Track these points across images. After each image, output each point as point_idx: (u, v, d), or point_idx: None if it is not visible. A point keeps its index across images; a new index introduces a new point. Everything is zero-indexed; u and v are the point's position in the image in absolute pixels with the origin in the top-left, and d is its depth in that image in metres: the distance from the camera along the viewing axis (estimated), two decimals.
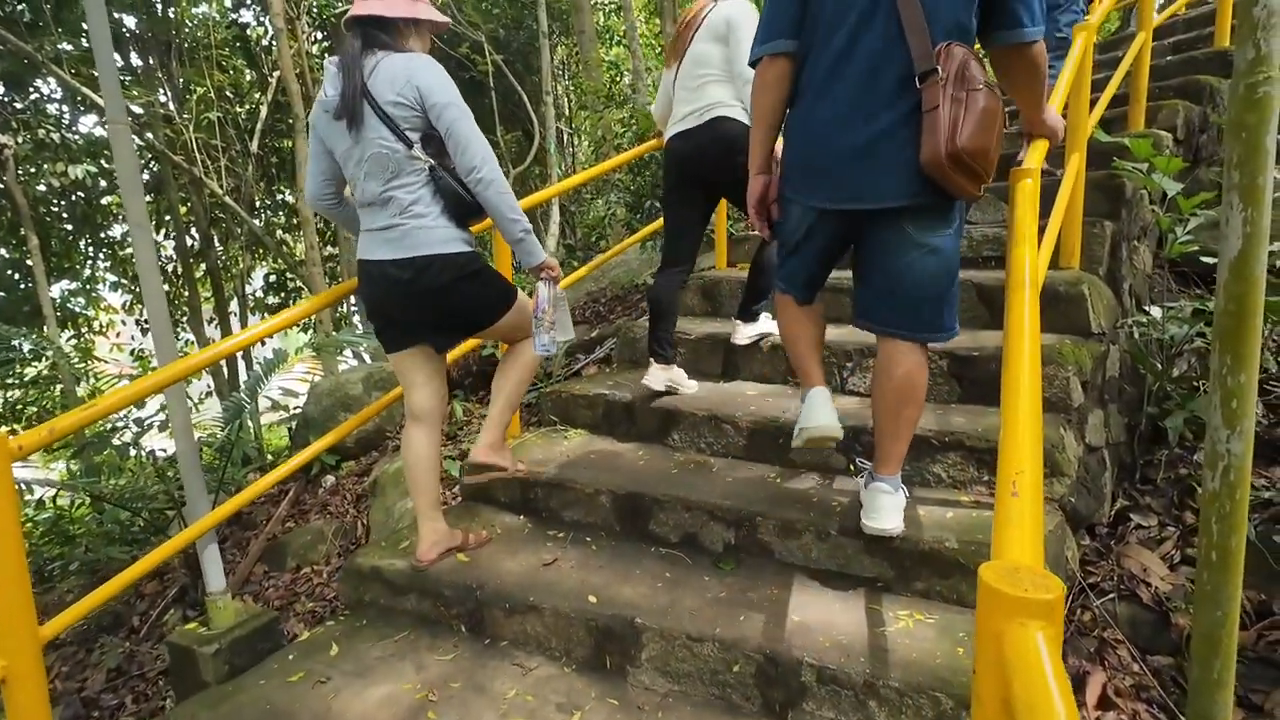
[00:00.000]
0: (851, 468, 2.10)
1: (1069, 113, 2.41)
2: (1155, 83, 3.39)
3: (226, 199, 7.10)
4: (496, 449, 2.03)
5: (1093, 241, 2.51)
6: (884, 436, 1.67)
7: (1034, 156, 1.67)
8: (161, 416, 3.34)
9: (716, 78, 2.37)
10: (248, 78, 9.29)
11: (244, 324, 9.69)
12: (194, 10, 8.64)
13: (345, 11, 1.96)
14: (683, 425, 2.41)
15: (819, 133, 1.52)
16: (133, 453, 3.26)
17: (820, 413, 1.69)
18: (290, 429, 4.67)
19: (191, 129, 6.42)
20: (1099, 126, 2.77)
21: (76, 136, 6.83)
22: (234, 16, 8.91)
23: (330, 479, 4.28)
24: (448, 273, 1.75)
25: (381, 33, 1.72)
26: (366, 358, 8.94)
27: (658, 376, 2.48)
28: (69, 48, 6.88)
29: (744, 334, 2.69)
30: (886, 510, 1.63)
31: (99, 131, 7.86)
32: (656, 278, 2.63)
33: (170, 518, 3.65)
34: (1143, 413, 2.41)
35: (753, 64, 1.63)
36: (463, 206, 1.76)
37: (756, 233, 2.09)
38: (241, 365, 9.46)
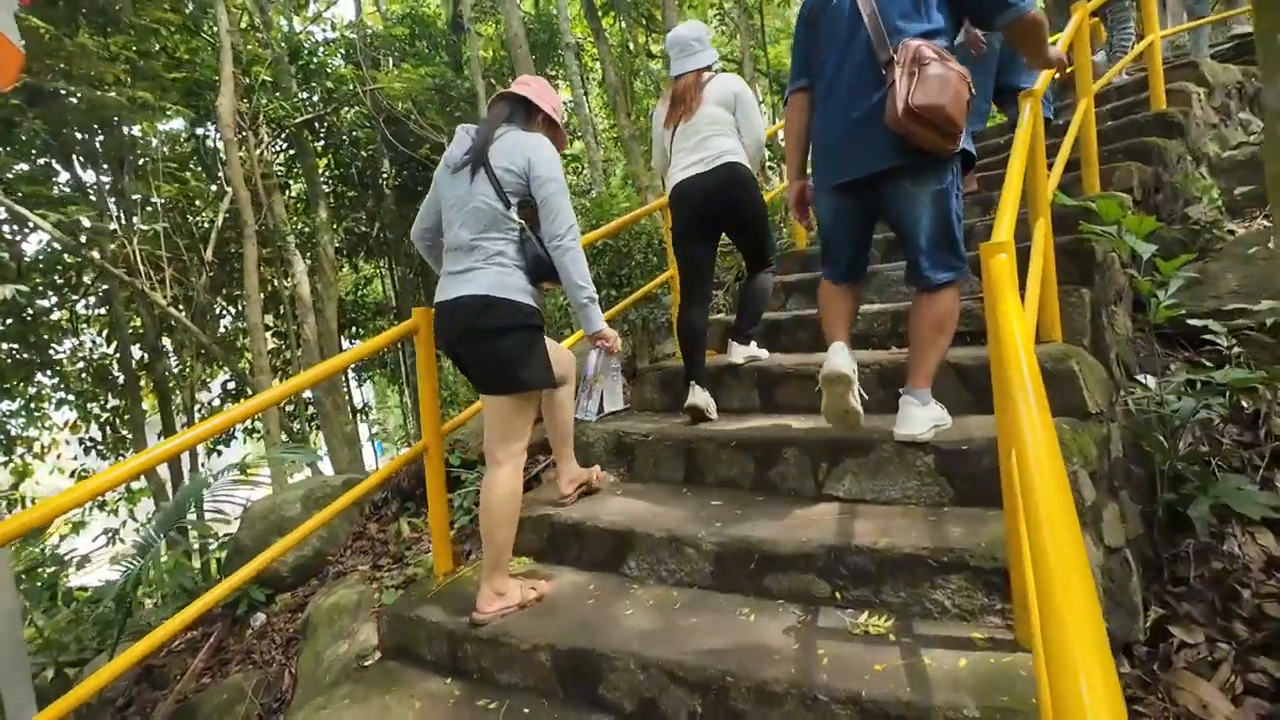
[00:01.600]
0: (836, 595, 1.76)
1: (1028, 182, 2.28)
2: (1100, 147, 3.34)
3: (171, 310, 6.83)
4: (501, 595, 1.98)
5: (1072, 312, 2.32)
6: (917, 356, 1.99)
7: (1002, 228, 1.48)
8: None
9: (724, 133, 2.66)
10: (212, 187, 9.29)
11: None
12: (159, 126, 8.71)
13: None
14: (639, 550, 2.07)
15: (828, 133, 2.02)
16: None
17: (836, 359, 1.98)
18: (221, 559, 4.19)
19: (136, 241, 6.23)
20: (1058, 192, 2.65)
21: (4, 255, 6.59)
22: (196, 131, 8.99)
23: (260, 617, 3.77)
24: (507, 318, 1.88)
25: (522, 110, 2.02)
26: (327, 469, 8.47)
27: (699, 395, 2.64)
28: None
29: (739, 353, 2.86)
30: (916, 419, 1.94)
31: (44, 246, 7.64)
32: (686, 312, 2.80)
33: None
34: (1158, 500, 2.13)
35: (785, 101, 2.22)
36: (541, 267, 1.93)
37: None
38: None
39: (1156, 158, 3.34)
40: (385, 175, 11.50)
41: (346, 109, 10.86)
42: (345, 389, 10.73)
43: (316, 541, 4.15)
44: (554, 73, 13.45)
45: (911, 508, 1.94)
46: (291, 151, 10.26)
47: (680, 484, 2.47)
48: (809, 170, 2.25)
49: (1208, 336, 2.51)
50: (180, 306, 8.20)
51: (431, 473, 2.26)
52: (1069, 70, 2.41)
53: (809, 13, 2.08)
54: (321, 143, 10.77)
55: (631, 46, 14.95)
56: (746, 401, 2.83)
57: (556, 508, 2.33)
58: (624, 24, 14.44)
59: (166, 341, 8.89)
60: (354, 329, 12.65)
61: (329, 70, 9.81)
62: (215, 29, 6.33)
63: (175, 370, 9.48)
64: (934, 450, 1.94)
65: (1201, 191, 3.55)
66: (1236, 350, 2.52)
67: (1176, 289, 2.35)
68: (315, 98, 9.91)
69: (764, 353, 2.94)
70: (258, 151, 8.05)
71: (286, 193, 10.84)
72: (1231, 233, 3.40)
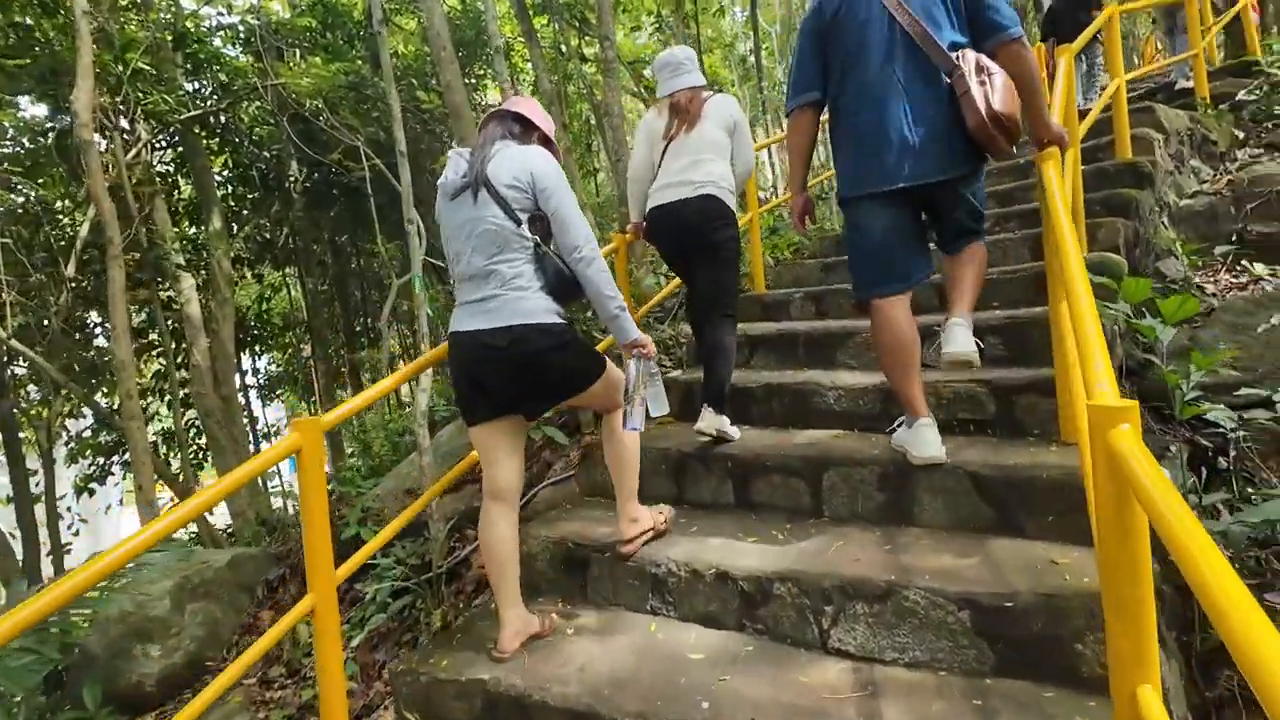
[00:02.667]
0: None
1: (1049, 253, 1.97)
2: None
3: (14, 341, 5.74)
4: (636, 521, 2.08)
5: None
6: (962, 293, 2.06)
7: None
8: None
9: (715, 158, 2.65)
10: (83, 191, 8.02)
11: (49, 479, 7.89)
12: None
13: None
14: None
15: (883, 139, 1.95)
16: None
17: (929, 448, 1.96)
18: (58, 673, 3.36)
19: None
20: None
21: None
22: (54, 125, 7.73)
23: None
24: (542, 342, 1.83)
25: (518, 125, 1.96)
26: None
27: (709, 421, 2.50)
28: None
29: (709, 422, 2.51)
30: (962, 339, 1.98)
31: None
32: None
33: None
34: (1195, 631, 1.86)
35: (789, 114, 2.17)
36: (562, 283, 1.87)
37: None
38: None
39: (1134, 211, 3.17)
40: (293, 177, 10.44)
41: (246, 104, 9.76)
42: (245, 417, 9.62)
43: (191, 643, 3.41)
44: (481, 72, 12.69)
45: (945, 677, 1.55)
46: (180, 151, 9.08)
47: (648, 615, 2.01)
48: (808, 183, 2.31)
49: (1210, 416, 2.30)
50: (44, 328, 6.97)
51: (322, 638, 1.69)
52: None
53: (822, 26, 2.05)
54: (217, 141, 9.62)
55: (564, 49, 14.40)
56: (718, 495, 2.41)
57: (492, 668, 1.81)
58: (557, 26, 13.87)
59: (20, 371, 7.60)
60: (257, 346, 11.44)
61: (223, 60, 8.73)
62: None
63: (33, 401, 8.15)
64: (969, 605, 1.56)
65: (1168, 245, 3.43)
66: (1241, 435, 2.32)
67: (1197, 383, 2.10)
68: (208, 91, 8.80)
69: (735, 432, 2.56)
70: (132, 152, 6.98)
71: (175, 197, 9.62)
72: (1200, 288, 3.29)
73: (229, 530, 6.78)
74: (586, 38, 13.94)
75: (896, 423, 2.20)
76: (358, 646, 2.98)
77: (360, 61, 9.58)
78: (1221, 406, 2.21)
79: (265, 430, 12.42)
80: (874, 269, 2.07)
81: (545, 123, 2.01)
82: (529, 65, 14.31)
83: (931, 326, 2.52)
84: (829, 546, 1.93)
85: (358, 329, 12.14)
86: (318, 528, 1.65)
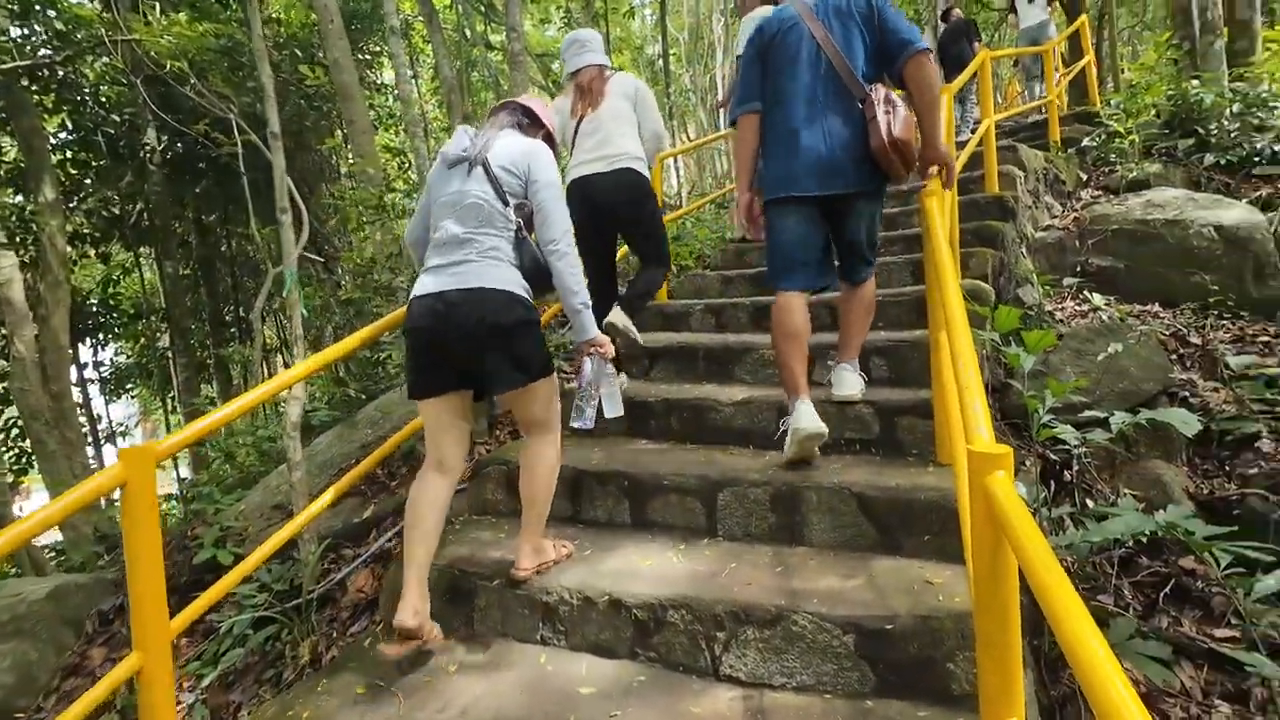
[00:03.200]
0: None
1: (930, 284, 2.08)
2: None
3: None
4: (538, 551, 2.02)
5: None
6: (850, 337, 2.40)
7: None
8: None
9: (626, 133, 2.79)
10: None
11: None
12: None
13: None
14: None
15: (804, 151, 2.20)
16: None
17: (807, 422, 2.15)
18: None
19: None
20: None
21: None
22: None
23: None
24: (511, 311, 1.82)
25: (524, 118, 2.08)
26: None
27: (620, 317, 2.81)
28: None
29: (620, 317, 2.82)
30: (850, 383, 2.36)
31: None
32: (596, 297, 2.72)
33: None
34: (1045, 635, 2.03)
35: (733, 122, 2.39)
36: (536, 269, 1.91)
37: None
38: None
39: (1000, 243, 3.46)
40: (149, 146, 9.30)
41: (91, 59, 8.57)
42: (81, 419, 8.46)
43: None
44: (378, 48, 11.92)
45: (830, 700, 1.58)
46: (2, 106, 7.80)
47: (538, 645, 1.91)
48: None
49: (1058, 434, 2.55)
50: None
51: (152, 710, 1.42)
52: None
53: (763, 46, 2.31)
54: (52, 98, 8.36)
55: (468, 34, 13.83)
56: (615, 514, 2.36)
57: (364, 714, 1.64)
58: (460, 9, 13.29)
59: None
60: (101, 335, 10.06)
61: (60, 5, 7.61)
62: None
63: None
64: (854, 629, 1.60)
65: (1027, 274, 3.79)
66: (1083, 451, 2.59)
67: (1050, 402, 2.30)
68: (40, 39, 7.64)
69: (637, 335, 2.94)
70: None
71: None
72: (1051, 314, 3.66)
73: (58, 549, 5.88)
74: (492, 23, 13.48)
75: (782, 425, 2.44)
76: (209, 687, 2.66)
77: (236, 25, 8.68)
78: (1069, 428, 2.44)
79: (111, 430, 10.99)
80: (782, 264, 2.33)
81: (551, 123, 2.13)
82: (429, 46, 13.64)
83: (827, 350, 2.61)
84: (722, 569, 1.92)
85: (227, 319, 10.99)
86: (146, 576, 1.40)
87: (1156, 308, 3.72)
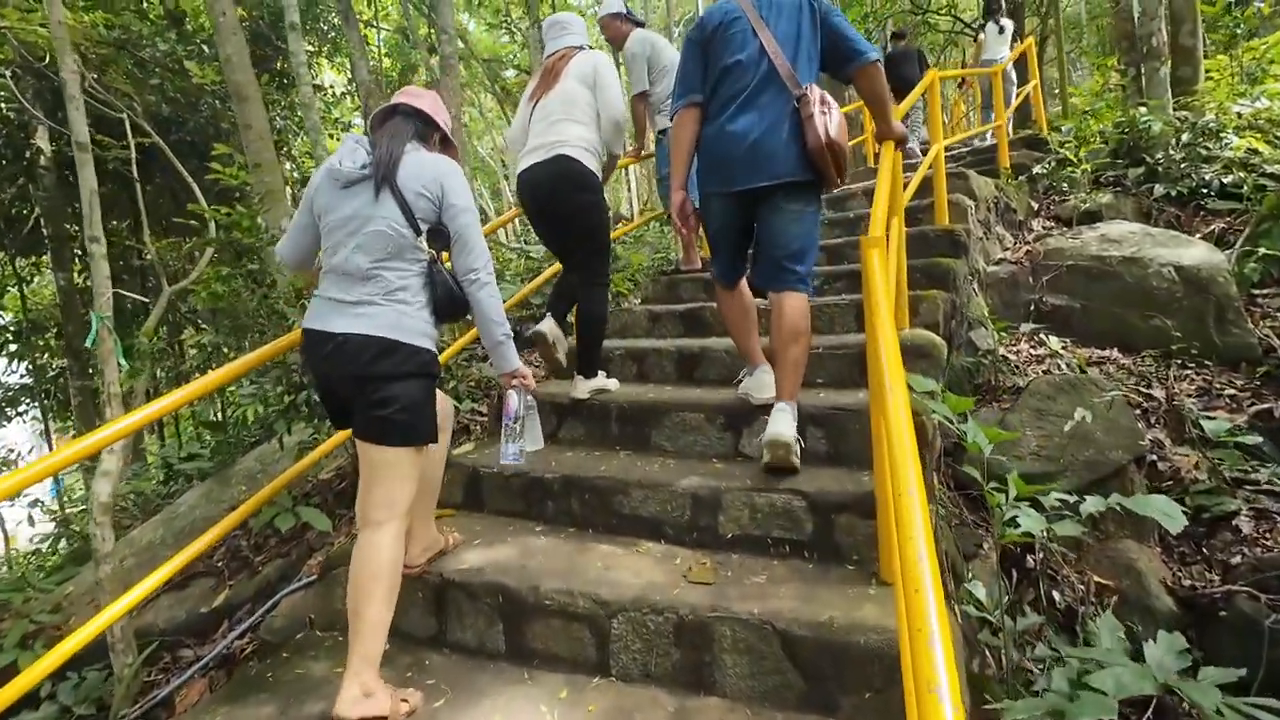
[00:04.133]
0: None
1: (872, 348, 1.67)
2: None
3: None
4: (433, 545, 1.97)
5: None
6: (784, 375, 2.16)
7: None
8: None
9: (573, 118, 2.56)
10: None
11: None
12: None
13: None
14: None
15: (733, 144, 2.16)
16: None
17: (781, 427, 2.06)
18: None
19: None
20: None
21: None
22: None
23: None
24: (410, 364, 1.68)
25: (421, 124, 1.86)
26: None
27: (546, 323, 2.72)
28: None
29: (583, 388, 2.72)
30: (783, 424, 2.06)
31: None
32: (563, 277, 2.82)
33: None
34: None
35: (673, 115, 2.33)
36: (451, 303, 1.77)
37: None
38: None
39: (952, 283, 3.12)
40: (36, 149, 8.39)
41: None
42: None
43: None
44: (313, 47, 11.15)
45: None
46: None
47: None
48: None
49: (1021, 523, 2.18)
50: None
51: None
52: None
53: (704, 37, 2.25)
54: None
55: (409, 36, 13.16)
56: (486, 639, 1.87)
57: None
58: (403, 9, 12.61)
59: None
60: None
61: None
62: None
63: None
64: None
65: (980, 315, 3.47)
66: (1048, 535, 2.23)
67: (1013, 492, 1.92)
68: None
69: (614, 383, 2.86)
70: None
71: None
72: (1005, 359, 3.34)
73: None
74: (438, 26, 12.87)
75: (741, 375, 2.57)
76: None
77: (135, 15, 7.89)
78: (1033, 514, 2.07)
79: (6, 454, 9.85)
80: (715, 257, 2.39)
81: (445, 120, 1.91)
82: (375, 48, 12.92)
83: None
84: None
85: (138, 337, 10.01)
86: None
87: (1115, 353, 3.44)
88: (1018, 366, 3.33)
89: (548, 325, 2.70)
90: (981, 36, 7.22)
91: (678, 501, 2.09)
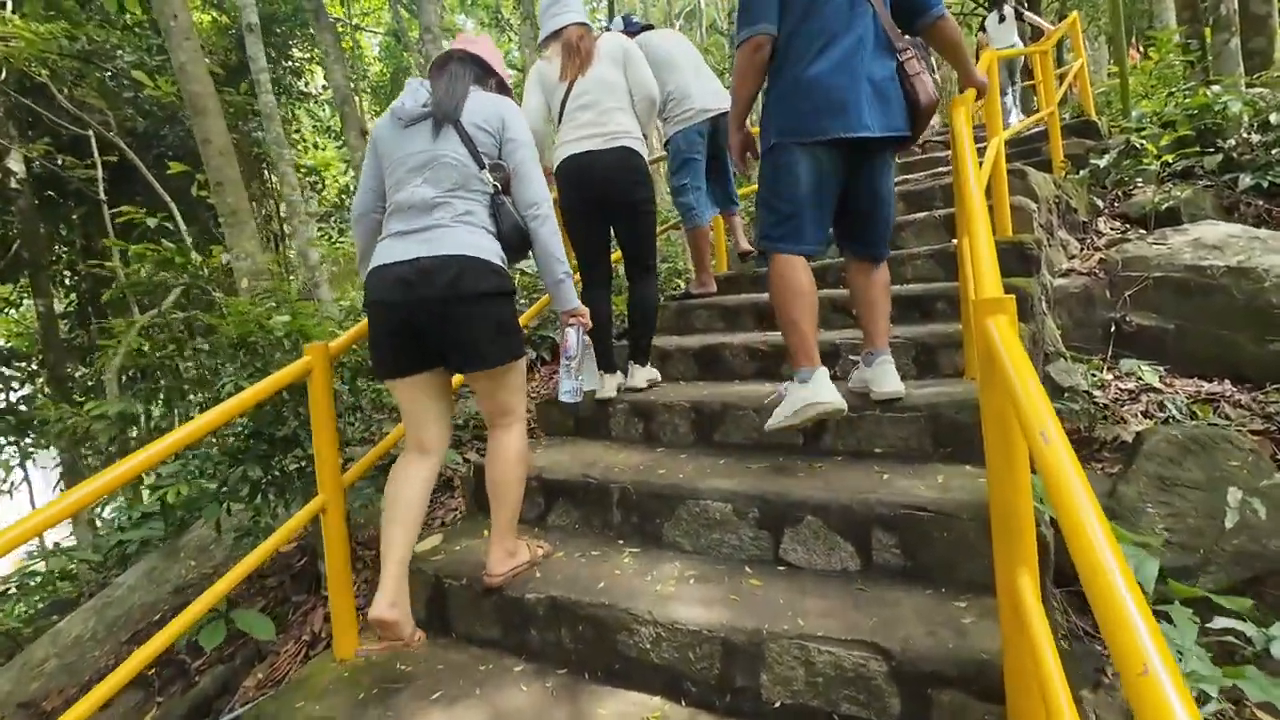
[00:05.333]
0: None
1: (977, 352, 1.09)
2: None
3: None
4: (512, 554, 1.87)
5: None
6: (877, 319, 2.12)
7: None
8: None
9: (622, 107, 2.54)
10: None
11: None
12: None
13: None
14: None
15: (825, 82, 1.91)
16: None
17: (827, 393, 1.92)
18: None
19: None
20: None
21: None
22: None
23: None
24: (484, 281, 1.68)
25: (479, 69, 1.89)
26: None
27: (609, 384, 2.62)
28: None
29: (641, 376, 2.70)
30: (891, 379, 2.06)
31: None
32: (588, 297, 2.61)
33: None
34: None
35: (739, 45, 2.02)
36: (515, 234, 1.77)
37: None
38: None
39: (1029, 309, 2.53)
40: (6, 170, 7.93)
41: None
42: None
43: None
44: (305, 53, 10.68)
45: None
46: None
47: None
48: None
49: None
50: None
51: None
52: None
53: None
54: None
55: (400, 38, 12.64)
56: None
57: None
58: (393, 11, 12.10)
59: None
60: None
61: None
62: None
63: None
64: None
65: (1055, 343, 2.87)
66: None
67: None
68: None
69: (656, 374, 2.81)
70: None
71: None
72: (1092, 399, 2.74)
73: None
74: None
75: (776, 391, 2.24)
76: None
77: (99, 25, 7.40)
78: (1196, 652, 1.48)
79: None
80: (786, 220, 2.01)
81: (502, 68, 1.95)
82: (369, 51, 12.44)
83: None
84: None
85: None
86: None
87: (1228, 386, 2.83)
88: (1108, 407, 2.73)
89: (637, 377, 2.67)
90: (981, 35, 6.87)
91: (703, 649, 1.53)
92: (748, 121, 2.21)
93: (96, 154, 6.56)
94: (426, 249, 1.66)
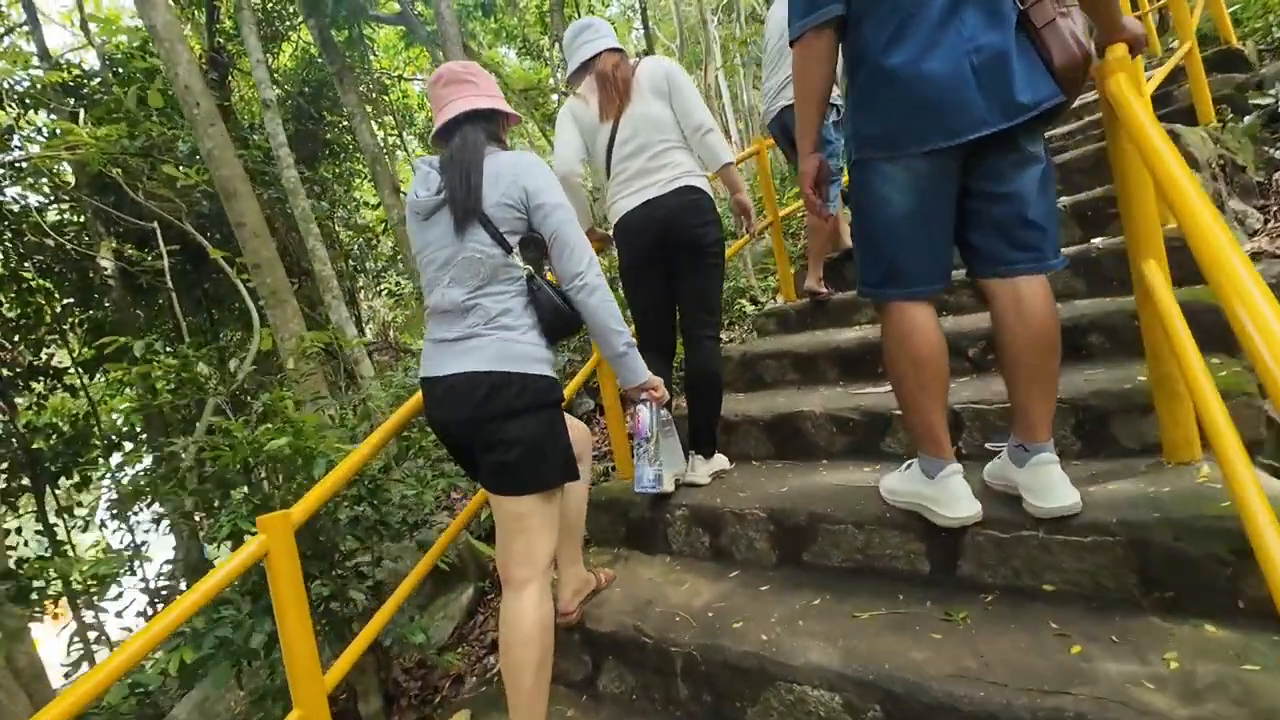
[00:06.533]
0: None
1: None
2: None
3: None
4: (584, 587, 1.84)
5: None
6: (1033, 398, 1.46)
7: None
8: None
9: (676, 143, 2.21)
10: None
11: None
12: None
13: None
14: None
15: (913, 76, 1.40)
16: None
17: (966, 506, 1.50)
18: None
19: None
20: None
21: None
22: None
23: None
24: (525, 397, 1.52)
25: (487, 121, 1.64)
26: None
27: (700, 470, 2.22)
28: None
29: (703, 471, 2.21)
30: (1062, 487, 1.42)
31: None
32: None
33: None
34: None
35: (794, 41, 1.54)
36: (559, 319, 1.59)
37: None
38: None
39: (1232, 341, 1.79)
40: (100, 267, 8.44)
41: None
42: None
43: None
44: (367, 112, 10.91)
45: None
46: None
47: None
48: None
49: None
50: None
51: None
52: None
53: None
54: None
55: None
56: None
57: None
58: (435, 53, 12.17)
59: None
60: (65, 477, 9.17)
61: None
62: None
63: None
64: None
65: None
66: None
67: None
68: None
69: (725, 462, 2.31)
70: None
71: None
72: None
73: None
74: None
75: (902, 467, 1.69)
76: None
77: (159, 120, 7.70)
78: None
79: None
80: (895, 258, 1.50)
81: (499, 98, 1.66)
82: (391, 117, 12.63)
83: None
84: None
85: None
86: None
87: None
88: None
89: (699, 472, 2.18)
90: None
91: None
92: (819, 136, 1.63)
93: (162, 244, 6.75)
94: (459, 364, 1.53)
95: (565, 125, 2.29)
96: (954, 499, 1.49)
